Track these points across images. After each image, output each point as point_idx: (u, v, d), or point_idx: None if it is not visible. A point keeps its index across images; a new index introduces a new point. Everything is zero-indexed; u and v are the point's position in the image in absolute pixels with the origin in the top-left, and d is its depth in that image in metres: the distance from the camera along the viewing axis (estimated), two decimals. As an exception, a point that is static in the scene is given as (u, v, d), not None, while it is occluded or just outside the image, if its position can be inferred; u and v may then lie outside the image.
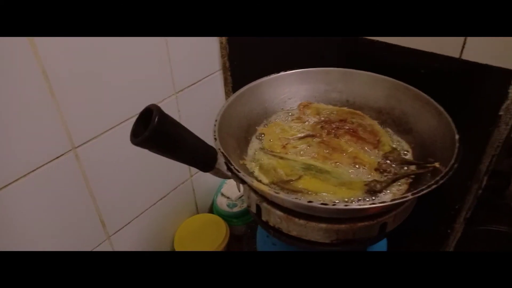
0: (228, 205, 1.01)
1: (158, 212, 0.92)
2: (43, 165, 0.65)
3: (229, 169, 0.49)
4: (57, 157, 0.67)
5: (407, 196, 0.43)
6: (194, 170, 0.98)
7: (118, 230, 0.83)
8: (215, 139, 0.53)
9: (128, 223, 0.85)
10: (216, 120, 0.56)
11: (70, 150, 0.68)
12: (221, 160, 0.48)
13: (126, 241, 0.86)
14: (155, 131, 0.40)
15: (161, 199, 0.91)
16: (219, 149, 0.51)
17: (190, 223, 1.00)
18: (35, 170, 0.64)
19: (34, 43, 0.57)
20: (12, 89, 0.57)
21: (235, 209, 1.00)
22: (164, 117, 0.41)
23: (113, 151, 0.75)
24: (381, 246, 0.69)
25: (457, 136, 0.51)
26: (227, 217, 1.00)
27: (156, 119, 0.40)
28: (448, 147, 0.51)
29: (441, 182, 0.45)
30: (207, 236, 0.96)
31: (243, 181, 0.48)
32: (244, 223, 1.00)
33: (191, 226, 0.99)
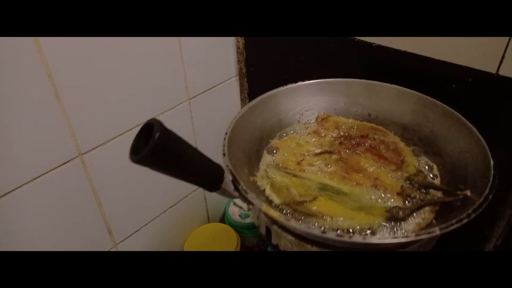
0: (240, 215, 0.98)
1: (168, 221, 0.89)
2: (48, 171, 0.63)
3: (236, 189, 0.45)
4: (63, 163, 0.65)
5: (434, 231, 0.38)
6: (206, 178, 0.94)
7: (126, 238, 0.81)
8: (224, 154, 0.49)
9: (136, 231, 0.83)
10: (226, 133, 0.53)
11: (76, 156, 0.66)
12: (228, 180, 0.45)
13: (134, 249, 0.84)
14: (156, 148, 0.37)
15: (171, 207, 0.88)
16: (227, 165, 0.47)
17: (200, 233, 0.97)
18: (40, 176, 0.62)
19: (40, 46, 0.55)
20: (17, 94, 0.55)
21: (248, 220, 0.97)
22: (166, 133, 0.38)
23: (121, 158, 0.72)
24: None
25: (492, 162, 0.46)
26: (239, 228, 0.97)
27: (157, 136, 0.37)
28: (481, 174, 0.46)
29: (473, 216, 0.39)
30: (218, 247, 0.93)
31: (251, 203, 0.45)
32: (255, 234, 0.97)
33: (201, 236, 0.96)
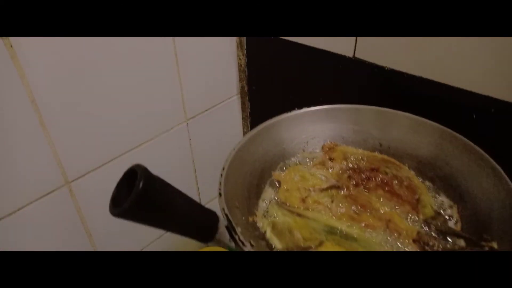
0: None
1: (164, 247, 0.84)
2: (35, 201, 0.59)
3: (232, 238, 0.40)
4: (50, 192, 0.60)
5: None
6: (205, 198, 0.89)
7: (117, 267, 0.76)
8: (220, 194, 0.44)
9: (129, 259, 0.78)
10: (223, 169, 0.48)
11: (63, 185, 0.61)
12: (222, 228, 0.40)
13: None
14: (139, 199, 0.32)
15: (166, 232, 0.83)
16: (223, 208, 0.42)
17: (198, 258, 0.92)
18: (26, 205, 0.58)
19: (22, 71, 0.50)
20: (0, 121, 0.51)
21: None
22: (152, 180, 0.33)
23: (112, 185, 0.67)
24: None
25: (522, 211, 0.40)
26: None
27: (141, 185, 0.32)
28: (508, 221, 0.41)
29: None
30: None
31: (249, 254, 0.40)
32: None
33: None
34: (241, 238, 0.39)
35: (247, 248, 0.39)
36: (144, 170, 0.33)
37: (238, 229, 0.41)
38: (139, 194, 0.32)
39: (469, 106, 0.53)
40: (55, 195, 0.61)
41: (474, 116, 0.53)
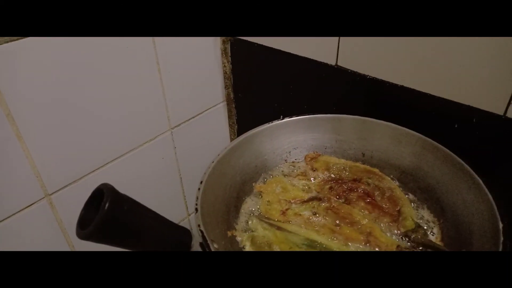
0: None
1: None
2: (13, 214, 0.58)
3: (207, 255, 0.40)
4: (29, 206, 0.59)
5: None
6: (191, 208, 0.89)
7: (102, 278, 0.75)
8: (196, 210, 0.44)
9: (114, 269, 0.77)
10: (201, 182, 0.47)
11: (43, 197, 0.60)
12: (196, 247, 0.39)
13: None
14: (106, 221, 0.31)
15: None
16: (199, 225, 0.41)
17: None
18: (5, 219, 0.57)
19: (-5, 83, 0.49)
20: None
21: (236, 253, 0.91)
22: (119, 201, 0.32)
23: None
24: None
25: (501, 225, 0.40)
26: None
27: (107, 206, 0.31)
28: (489, 238, 0.40)
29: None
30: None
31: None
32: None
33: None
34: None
35: (221, 266, 0.38)
36: (111, 190, 0.32)
37: (215, 246, 0.41)
38: (105, 216, 0.31)
39: (451, 115, 0.52)
40: (34, 208, 0.60)
41: (456, 126, 0.52)
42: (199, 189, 0.46)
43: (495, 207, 0.41)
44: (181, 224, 0.86)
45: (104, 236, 0.32)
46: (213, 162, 0.50)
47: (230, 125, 0.88)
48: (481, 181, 0.45)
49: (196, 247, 0.39)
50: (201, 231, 0.41)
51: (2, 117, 0.51)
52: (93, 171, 0.64)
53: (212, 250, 0.39)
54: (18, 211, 0.58)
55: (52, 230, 0.63)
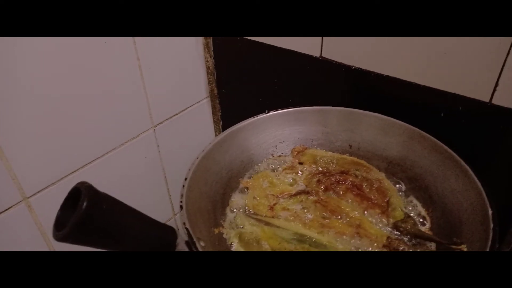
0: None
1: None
2: (-10, 217, 0.55)
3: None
4: (6, 209, 0.56)
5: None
6: (177, 208, 0.87)
7: None
8: (181, 207, 0.42)
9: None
10: (185, 179, 0.45)
11: (21, 201, 0.57)
12: (182, 245, 0.37)
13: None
14: (83, 222, 0.29)
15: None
16: (184, 223, 0.40)
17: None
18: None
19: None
20: None
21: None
22: (97, 200, 0.31)
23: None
24: None
25: (490, 212, 0.39)
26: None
27: (84, 205, 0.29)
28: (478, 225, 0.40)
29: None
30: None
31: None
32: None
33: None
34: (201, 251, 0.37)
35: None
36: (89, 188, 0.30)
37: (201, 244, 0.39)
38: (82, 216, 0.29)
39: (437, 104, 0.52)
40: (12, 212, 0.57)
41: (442, 115, 0.52)
42: (183, 186, 0.45)
43: (484, 194, 0.41)
44: (168, 223, 0.84)
45: (81, 237, 0.30)
46: (197, 158, 0.49)
47: (214, 122, 0.86)
48: (469, 169, 0.44)
49: (181, 246, 0.37)
50: (187, 229, 0.39)
51: (-27, 118, 0.49)
52: (74, 171, 0.62)
53: (199, 248, 0.37)
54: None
55: (32, 233, 0.61)
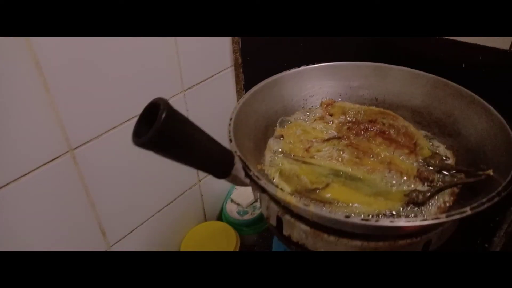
0: (238, 213, 0.94)
1: (163, 220, 0.85)
2: (36, 168, 0.59)
3: (247, 175, 0.42)
4: (52, 160, 0.60)
5: (465, 212, 0.36)
6: (202, 174, 0.91)
7: (120, 240, 0.77)
8: (230, 140, 0.46)
9: (131, 231, 0.78)
10: (230, 119, 0.49)
11: (67, 152, 0.61)
12: (238, 165, 0.41)
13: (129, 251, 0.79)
14: (162, 131, 0.33)
15: (166, 205, 0.84)
16: (235, 152, 0.44)
17: (197, 231, 0.93)
18: (28, 173, 0.58)
19: (29, 41, 0.50)
20: (4, 86, 0.51)
21: (246, 217, 0.93)
22: (173, 114, 0.34)
23: (114, 153, 0.68)
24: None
25: (514, 139, 0.43)
26: (237, 225, 0.93)
27: (163, 116, 0.33)
28: (504, 152, 0.44)
29: (504, 194, 0.37)
30: (216, 246, 0.89)
31: (264, 190, 0.41)
32: (255, 232, 0.93)
33: (198, 235, 0.92)
34: (256, 173, 0.41)
35: (262, 182, 0.40)
36: (166, 102, 0.34)
37: (252, 168, 0.43)
38: (162, 123, 0.33)
39: (459, 56, 0.56)
40: (58, 163, 0.61)
41: (463, 65, 0.56)
42: (229, 124, 0.48)
43: (507, 126, 0.45)
44: (189, 192, 0.88)
45: (159, 143, 0.34)
46: (238, 103, 0.52)
47: (237, 91, 0.90)
48: (491, 107, 0.48)
49: (238, 165, 0.41)
50: (239, 156, 0.43)
51: (30, 65, 0.52)
52: (115, 127, 0.66)
53: (253, 170, 0.41)
54: (41, 165, 0.59)
55: (74, 185, 0.65)
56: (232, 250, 0.88)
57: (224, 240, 0.90)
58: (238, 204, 0.96)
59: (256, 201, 0.57)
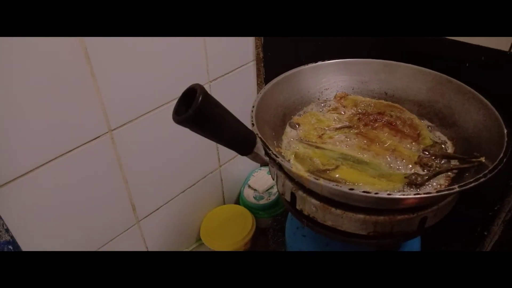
0: (254, 197, 1.01)
1: (187, 200, 0.92)
2: (80, 146, 0.67)
3: (267, 154, 0.49)
4: (94, 139, 0.68)
5: (454, 189, 0.41)
6: (223, 160, 0.98)
7: (148, 215, 0.85)
8: (253, 124, 0.53)
9: (157, 208, 0.86)
10: (253, 106, 0.56)
11: (106, 132, 0.69)
12: (259, 145, 0.48)
13: (154, 227, 0.87)
14: (198, 110, 0.40)
15: (190, 187, 0.92)
16: (257, 134, 0.50)
17: (217, 213, 1.01)
18: (73, 149, 0.66)
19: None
20: (50, 66, 0.58)
21: (262, 202, 1.00)
22: (208, 97, 0.41)
23: (147, 136, 0.76)
24: (415, 246, 0.67)
25: (505, 131, 0.49)
26: (254, 209, 1.00)
27: (200, 98, 0.40)
28: (496, 142, 0.49)
29: (489, 176, 0.43)
30: (233, 227, 0.96)
31: (280, 167, 0.48)
32: (270, 216, 1.00)
33: (217, 216, 1.00)
34: (275, 152, 0.48)
35: (279, 159, 0.47)
36: (202, 87, 0.41)
37: (271, 148, 0.50)
38: (199, 104, 0.40)
39: (463, 55, 0.61)
40: (98, 142, 0.69)
41: (467, 65, 0.61)
42: (252, 110, 0.55)
43: (501, 119, 0.50)
44: (210, 176, 0.96)
45: (196, 121, 0.41)
46: (261, 93, 0.59)
47: (258, 84, 0.96)
48: (489, 103, 0.54)
49: (259, 144, 0.48)
50: (260, 137, 0.50)
51: (80, 55, 0.60)
52: (149, 111, 0.73)
53: (272, 150, 0.48)
54: (83, 144, 0.67)
55: (111, 164, 0.72)
56: (248, 231, 0.95)
57: (241, 222, 0.97)
58: (255, 190, 1.03)
59: (273, 181, 0.63)
